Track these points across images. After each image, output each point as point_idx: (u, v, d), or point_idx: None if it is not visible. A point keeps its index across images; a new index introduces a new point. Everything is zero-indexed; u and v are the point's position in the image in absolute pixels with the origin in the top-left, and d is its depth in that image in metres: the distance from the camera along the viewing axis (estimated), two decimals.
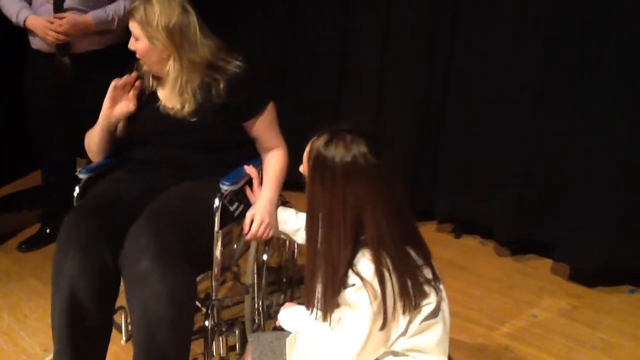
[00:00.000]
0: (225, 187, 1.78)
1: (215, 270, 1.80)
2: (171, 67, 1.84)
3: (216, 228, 1.76)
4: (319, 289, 1.37)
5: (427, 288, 1.34)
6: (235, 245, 1.96)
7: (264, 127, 1.94)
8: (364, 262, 1.30)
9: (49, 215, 2.94)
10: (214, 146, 1.90)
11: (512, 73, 2.67)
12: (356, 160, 1.31)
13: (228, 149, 1.93)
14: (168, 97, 1.90)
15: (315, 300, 1.39)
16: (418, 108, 3.00)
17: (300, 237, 1.76)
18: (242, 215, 1.85)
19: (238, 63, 1.90)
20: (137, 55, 1.86)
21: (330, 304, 1.35)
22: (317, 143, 1.37)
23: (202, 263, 1.78)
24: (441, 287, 1.39)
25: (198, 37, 1.84)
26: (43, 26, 2.49)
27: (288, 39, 3.32)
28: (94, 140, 1.96)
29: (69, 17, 2.48)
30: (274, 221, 1.80)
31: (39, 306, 2.45)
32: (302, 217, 1.74)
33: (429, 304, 1.34)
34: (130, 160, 1.95)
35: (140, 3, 1.80)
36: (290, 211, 1.82)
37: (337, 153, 1.32)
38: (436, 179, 3.04)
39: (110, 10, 2.57)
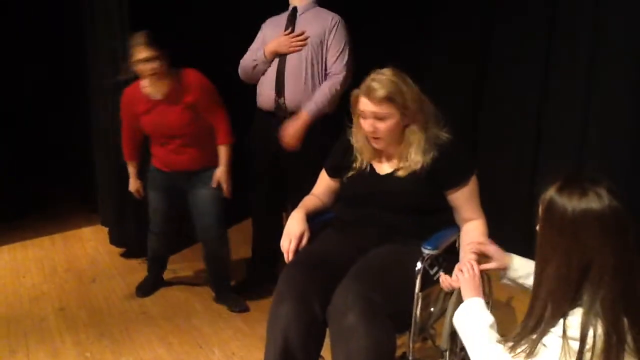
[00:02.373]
0: (427, 251, 1.86)
1: (413, 330, 1.87)
2: (410, 135, 1.96)
3: (417, 290, 1.84)
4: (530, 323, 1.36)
5: None
6: (432, 308, 2.01)
7: (465, 198, 1.99)
8: (575, 318, 1.27)
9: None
10: (416, 210, 2.00)
11: None
12: (593, 209, 1.27)
13: (429, 213, 2.02)
14: (387, 163, 2.05)
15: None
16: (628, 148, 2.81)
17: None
18: None
19: (446, 135, 2.00)
20: (378, 135, 1.95)
21: (530, 336, 1.33)
22: (550, 191, 1.35)
23: (401, 323, 1.86)
24: None
25: (425, 100, 1.97)
26: (285, 39, 2.79)
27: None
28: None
29: (290, 126, 2.76)
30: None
31: (244, 345, 2.68)
32: (531, 263, 1.68)
33: None
34: (341, 220, 2.12)
35: (376, 82, 1.90)
36: (517, 257, 1.75)
37: (573, 200, 1.30)
38: None
39: (319, 99, 2.77)
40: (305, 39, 2.79)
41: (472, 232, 1.98)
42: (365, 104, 1.93)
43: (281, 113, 2.86)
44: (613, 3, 2.80)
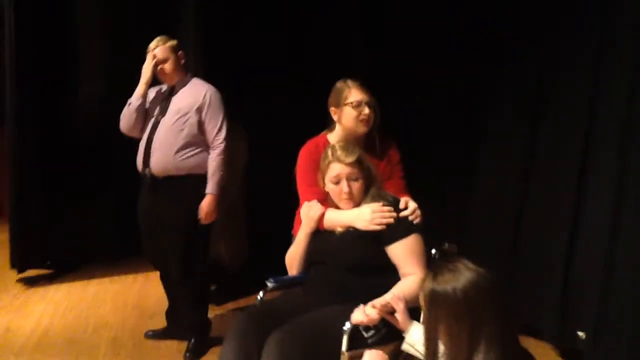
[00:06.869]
0: None
1: None
2: (358, 194, 2.23)
3: (343, 348, 1.96)
4: None
5: None
6: None
7: (403, 254, 2.11)
8: None
9: None
10: (362, 268, 2.15)
11: None
12: (472, 282, 1.43)
13: (378, 274, 2.15)
14: None
15: None
16: None
17: None
18: (376, 343, 2.01)
19: (390, 198, 2.20)
20: (352, 195, 2.21)
21: None
22: (425, 285, 1.51)
23: None
24: None
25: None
26: None
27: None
28: (297, 256, 2.34)
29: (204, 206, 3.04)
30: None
31: None
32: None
33: None
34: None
35: (342, 149, 2.21)
36: (417, 323, 1.88)
37: (450, 282, 1.44)
38: None
39: (215, 174, 3.03)
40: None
41: (402, 283, 2.09)
42: (339, 169, 2.19)
43: (146, 180, 3.07)
44: None
